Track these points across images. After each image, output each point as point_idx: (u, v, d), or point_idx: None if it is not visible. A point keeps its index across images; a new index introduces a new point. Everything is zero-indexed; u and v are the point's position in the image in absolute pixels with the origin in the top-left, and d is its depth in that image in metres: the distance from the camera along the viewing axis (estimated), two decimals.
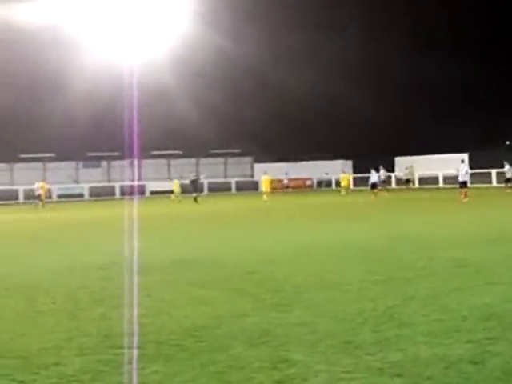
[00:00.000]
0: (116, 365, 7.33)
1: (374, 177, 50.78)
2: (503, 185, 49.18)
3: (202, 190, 54.67)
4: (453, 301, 9.87)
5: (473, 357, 7.08)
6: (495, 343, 7.55)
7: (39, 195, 50.65)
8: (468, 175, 43.10)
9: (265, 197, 48.37)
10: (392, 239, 18.80)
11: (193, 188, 52.84)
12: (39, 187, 51.08)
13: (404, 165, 68.89)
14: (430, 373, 6.63)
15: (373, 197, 46.68)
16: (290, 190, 70.71)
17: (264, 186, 51.77)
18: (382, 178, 62.97)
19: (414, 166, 65.42)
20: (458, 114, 78.86)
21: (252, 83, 76.00)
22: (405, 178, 63.69)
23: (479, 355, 7.12)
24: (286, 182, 75.27)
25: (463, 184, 40.57)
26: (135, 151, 48.79)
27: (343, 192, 55.60)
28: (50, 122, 64.31)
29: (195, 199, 50.26)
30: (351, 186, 68.16)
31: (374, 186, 49.71)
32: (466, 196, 38.83)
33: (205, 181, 75.13)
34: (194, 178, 54.19)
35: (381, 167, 63.00)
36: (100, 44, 59.90)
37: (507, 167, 49.91)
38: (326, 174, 71.34)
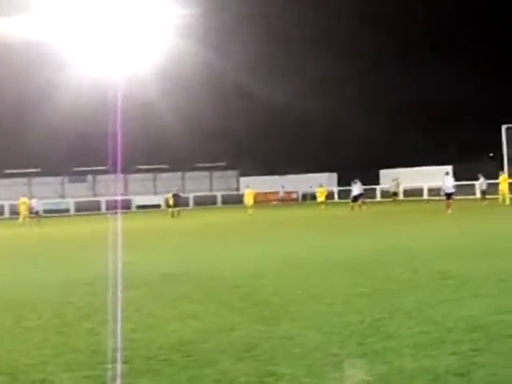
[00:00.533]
0: (103, 380, 7.35)
1: (355, 190, 50.86)
2: (479, 197, 49.00)
3: (181, 205, 54.85)
4: (438, 313, 9.92)
5: (458, 368, 7.12)
6: (481, 355, 7.60)
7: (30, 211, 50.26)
8: (453, 187, 43.23)
9: (249, 211, 48.50)
10: (378, 251, 18.85)
11: (174, 202, 53.15)
12: (21, 203, 50.77)
13: (389, 177, 69.08)
14: None
15: (355, 209, 46.78)
16: (274, 203, 70.80)
17: (247, 200, 51.92)
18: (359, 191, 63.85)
19: (399, 178, 65.57)
20: (442, 126, 79.26)
21: (238, 97, 76.24)
22: (391, 190, 63.77)
23: (465, 367, 7.17)
24: (281, 194, 75.57)
25: (449, 196, 40.83)
26: (119, 166, 48.70)
27: (323, 206, 55.59)
28: (36, 137, 64.18)
29: (175, 214, 50.70)
30: (335, 199, 68.58)
31: (355, 198, 49.84)
32: (449, 207, 39.13)
33: (188, 195, 75.22)
34: (176, 192, 54.53)
35: (356, 180, 63.73)
36: (85, 59, 59.84)
37: (481, 180, 50.14)
38: (311, 187, 71.35)
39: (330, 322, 9.62)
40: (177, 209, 52.06)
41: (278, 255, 19.20)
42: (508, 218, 33.71)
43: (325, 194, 59.43)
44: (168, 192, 57.36)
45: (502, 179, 48.08)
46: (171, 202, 53.54)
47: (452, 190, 41.40)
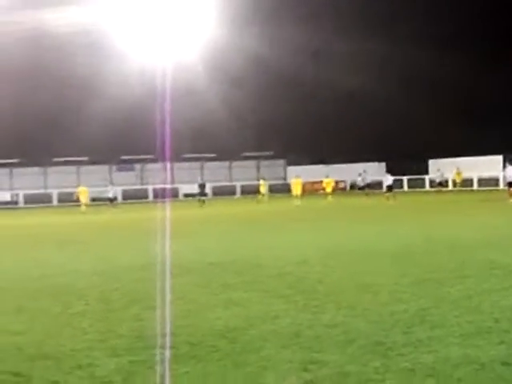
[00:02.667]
0: (148, 365, 7.41)
1: (388, 180, 50.51)
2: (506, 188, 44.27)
3: (206, 194, 55.46)
4: (485, 302, 9.83)
5: (505, 358, 7.05)
6: None
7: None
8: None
9: (296, 201, 47.77)
10: (424, 241, 18.72)
11: (200, 192, 53.93)
12: (81, 192, 52.60)
13: (438, 167, 68.45)
14: (461, 374, 6.62)
15: (389, 200, 46.42)
16: (321, 192, 70.46)
17: (295, 189, 51.20)
18: (367, 181, 64.30)
19: (459, 167, 64.60)
20: (492, 116, 78.11)
21: (285, 86, 75.94)
22: (437, 180, 63.18)
23: (511, 356, 7.09)
24: (343, 185, 75.24)
25: (510, 184, 41.35)
26: (167, 154, 49.00)
27: (330, 198, 54.35)
28: (84, 126, 64.80)
29: (201, 203, 51.14)
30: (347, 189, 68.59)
31: (389, 188, 49.54)
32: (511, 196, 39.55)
33: (236, 184, 75.48)
34: (201, 182, 55.24)
35: (363, 171, 64.26)
36: (133, 47, 60.29)
37: (510, 168, 43.60)
38: (360, 174, 70.82)
39: (375, 311, 9.58)
40: (203, 198, 52.77)
41: (323, 244, 19.17)
42: None
43: (332, 184, 58.60)
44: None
45: None
46: (263, 189, 54.86)
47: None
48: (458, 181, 63.58)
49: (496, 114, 76.41)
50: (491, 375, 6.56)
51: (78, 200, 52.52)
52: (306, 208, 42.24)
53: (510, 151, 61.63)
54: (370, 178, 66.96)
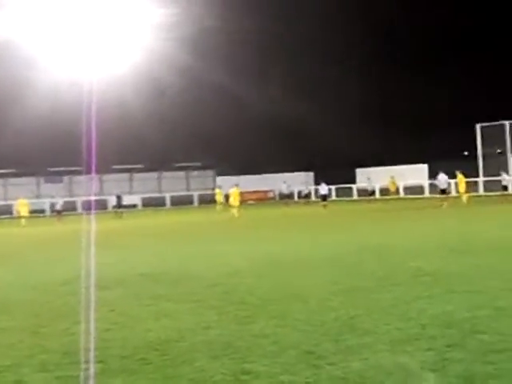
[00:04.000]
0: (77, 381, 7.31)
1: (323, 189, 51.07)
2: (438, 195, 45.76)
3: (122, 206, 55.98)
4: (413, 309, 9.99)
5: (433, 364, 7.18)
6: (455, 350, 7.66)
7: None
8: (447, 183, 45.38)
9: (234, 211, 45.37)
10: (353, 249, 18.93)
11: (116, 204, 54.88)
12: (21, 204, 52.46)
13: (365, 176, 69.40)
14: (391, 381, 6.71)
15: (325, 208, 46.94)
16: (251, 202, 70.51)
17: (233, 199, 46.37)
18: (285, 192, 65.55)
19: (372, 177, 65.64)
20: (418, 126, 79.68)
21: (215, 98, 76.16)
22: (369, 188, 63.84)
23: (439, 362, 7.23)
24: (285, 192, 74.12)
25: (443, 191, 43.58)
26: (95, 166, 48.66)
27: (218, 208, 52.19)
28: (10, 138, 63.78)
29: (118, 214, 51.55)
30: (312, 197, 68.55)
31: (324, 197, 50.16)
32: (446, 202, 41.85)
33: (165, 195, 75.10)
34: (118, 194, 56.16)
35: (283, 182, 65.49)
36: (61, 58, 59.53)
37: (441, 176, 45.69)
38: (285, 182, 71.25)
39: (306, 320, 9.64)
40: (120, 210, 53.17)
41: (254, 254, 19.22)
42: (480, 216, 33.94)
43: (237, 196, 47.96)
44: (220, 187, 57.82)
45: (459, 179, 47.58)
46: (221, 198, 54.64)
47: (446, 186, 44.17)
48: (392, 189, 64.31)
49: (419, 124, 78.07)
50: (420, 382, 6.66)
51: (17, 213, 52.59)
52: (239, 218, 42.26)
53: (434, 160, 62.91)
54: (290, 189, 67.98)
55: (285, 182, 68.04)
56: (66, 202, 62.76)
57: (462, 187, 46.39)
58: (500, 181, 51.59)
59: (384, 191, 65.25)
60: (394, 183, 64.02)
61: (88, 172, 65.26)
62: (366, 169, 73.32)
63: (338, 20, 76.47)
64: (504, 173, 51.67)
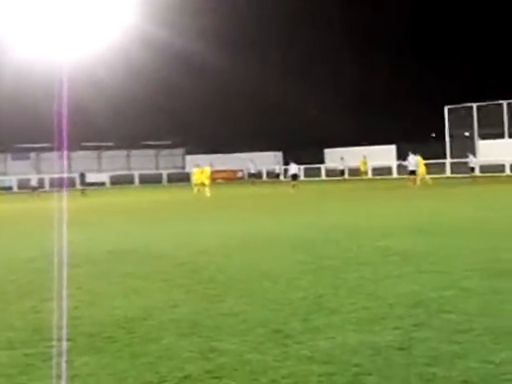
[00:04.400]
0: (45, 358, 7.27)
1: (293, 169, 50.86)
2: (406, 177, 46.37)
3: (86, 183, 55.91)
4: (381, 289, 10.06)
5: (400, 343, 7.23)
6: (421, 330, 7.73)
7: None
8: (416, 165, 45.50)
9: (207, 189, 44.51)
10: (322, 229, 19.01)
11: (80, 181, 54.79)
12: None
13: (333, 156, 69.60)
14: (358, 360, 6.75)
15: (294, 188, 46.88)
16: (219, 181, 70.16)
17: (204, 178, 45.39)
18: (252, 171, 66.00)
19: (345, 157, 65.76)
20: (386, 108, 79.99)
21: (185, 76, 75.66)
22: (340, 168, 63.73)
23: (406, 341, 7.29)
24: (252, 171, 73.30)
25: (412, 172, 44.16)
26: (65, 143, 48.22)
27: (195, 188, 47.24)
28: None
29: (83, 192, 51.42)
30: (281, 178, 68.62)
31: (294, 177, 50.01)
32: (415, 183, 42.69)
33: (134, 173, 74.76)
34: (82, 171, 56.15)
35: (250, 161, 65.77)
36: (30, 36, 58.78)
37: (411, 157, 45.95)
38: (256, 165, 71.46)
39: (274, 299, 9.67)
40: (84, 187, 53.10)
41: (223, 233, 19.21)
42: (448, 197, 34.22)
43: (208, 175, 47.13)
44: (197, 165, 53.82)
45: (419, 161, 47.97)
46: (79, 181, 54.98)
47: (415, 168, 44.53)
48: (363, 169, 64.35)
49: (387, 106, 78.37)
50: (387, 360, 6.71)
51: None
52: (209, 197, 42.17)
53: (402, 141, 63.21)
54: (257, 168, 68.25)
55: (252, 161, 68.05)
56: (24, 180, 62.47)
57: (422, 169, 46.85)
58: (467, 163, 52.05)
59: (353, 171, 65.48)
60: (365, 163, 64.09)
61: (56, 149, 64.81)
62: (334, 149, 73.46)
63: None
64: (471, 155, 52.10)
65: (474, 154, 55.69)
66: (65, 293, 10.15)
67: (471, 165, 50.65)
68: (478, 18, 79.87)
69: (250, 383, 6.25)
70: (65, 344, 7.69)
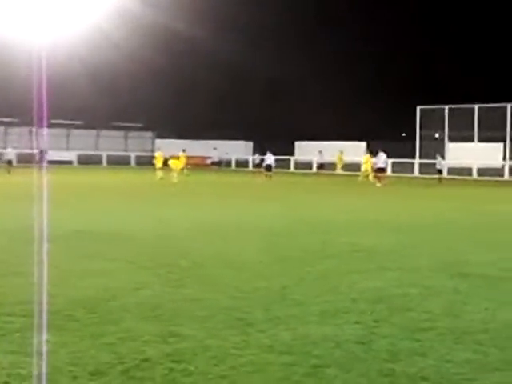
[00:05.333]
0: (4, 333, 7.20)
1: (268, 159, 50.74)
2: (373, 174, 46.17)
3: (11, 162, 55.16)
4: (345, 283, 10.08)
5: (360, 337, 7.26)
6: (382, 326, 7.77)
7: None
8: (385, 163, 45.96)
9: (174, 175, 44.00)
10: (290, 221, 19.03)
11: (39, 158, 54.28)
12: None
13: (303, 149, 69.68)
14: (318, 351, 6.76)
15: (262, 178, 46.78)
16: (188, 166, 69.77)
17: (180, 163, 45.56)
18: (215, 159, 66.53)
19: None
20: (358, 103, 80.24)
21: (161, 59, 75.22)
22: (320, 162, 63.08)
23: (366, 336, 7.32)
24: (215, 159, 72.78)
25: (380, 170, 44.06)
26: (32, 119, 47.79)
27: (158, 173, 45.01)
28: None
29: (7, 170, 50.77)
30: (250, 167, 68.53)
31: (268, 167, 49.87)
32: (380, 181, 42.24)
33: (102, 153, 74.25)
34: (41, 149, 55.88)
35: (213, 148, 65.85)
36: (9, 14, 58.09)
37: (381, 155, 45.85)
38: (227, 153, 71.42)
39: (237, 287, 9.65)
40: (9, 166, 52.45)
41: (191, 219, 19.16)
42: (414, 196, 34.43)
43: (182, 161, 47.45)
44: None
45: (366, 159, 48.94)
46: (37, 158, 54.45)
47: (383, 165, 44.57)
48: (339, 165, 63.93)
49: (358, 103, 78.67)
50: (346, 353, 6.73)
51: None
52: (180, 183, 41.99)
53: (372, 139, 63.44)
54: (219, 156, 68.47)
55: (215, 149, 67.90)
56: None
57: (368, 166, 47.55)
58: (435, 164, 52.25)
59: (326, 166, 65.35)
60: (341, 159, 63.67)
61: (24, 124, 64.25)
62: (304, 142, 73.59)
63: None
64: (439, 156, 52.29)
65: (442, 155, 55.99)
66: (26, 270, 10.06)
67: (438, 166, 50.83)
68: (454, 19, 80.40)
69: (210, 368, 6.23)
70: (22, 321, 7.61)
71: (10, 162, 52.66)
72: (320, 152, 62.32)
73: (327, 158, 62.97)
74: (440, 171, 50.69)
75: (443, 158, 55.13)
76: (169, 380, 5.98)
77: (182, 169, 45.55)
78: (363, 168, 48.34)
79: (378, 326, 7.73)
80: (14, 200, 23.78)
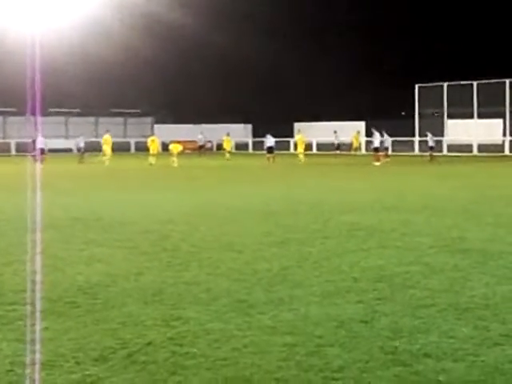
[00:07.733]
0: (5, 322, 7.21)
1: (269, 141, 50.58)
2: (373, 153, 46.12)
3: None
4: (345, 263, 10.09)
5: (363, 316, 7.28)
6: (384, 304, 7.78)
7: None
8: (384, 142, 46.70)
9: (174, 159, 44.07)
10: (290, 202, 19.01)
11: (32, 147, 53.84)
12: None
13: (303, 130, 69.36)
14: (320, 331, 6.77)
15: (269, 161, 46.71)
16: (188, 151, 69.66)
17: (174, 149, 45.08)
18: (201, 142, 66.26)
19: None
20: (357, 83, 79.91)
21: (158, 44, 74.94)
22: (336, 142, 62.11)
23: (368, 315, 7.33)
24: (201, 143, 72.11)
25: (375, 150, 44.57)
26: (31, 107, 47.66)
27: (151, 159, 49.28)
28: None
29: (33, 158, 50.55)
30: (250, 150, 68.41)
31: (270, 149, 49.71)
32: (378, 160, 42.51)
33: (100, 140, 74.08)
34: (35, 138, 55.32)
35: (200, 132, 65.63)
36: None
37: (382, 136, 47.24)
38: (228, 134, 71.08)
39: (239, 269, 9.66)
40: (33, 154, 52.22)
41: (190, 203, 19.15)
42: (413, 175, 34.40)
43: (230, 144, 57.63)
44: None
45: (299, 139, 49.33)
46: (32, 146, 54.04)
47: (378, 145, 44.79)
48: (355, 145, 63.29)
49: (357, 83, 78.38)
50: (349, 333, 6.74)
51: None
52: (176, 168, 41.97)
53: (371, 118, 63.14)
54: (204, 140, 68.18)
55: (201, 133, 67.57)
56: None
57: (302, 147, 47.93)
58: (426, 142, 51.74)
59: (325, 146, 65.13)
60: (357, 138, 63.02)
61: (23, 114, 64.13)
62: (304, 123, 73.40)
63: None
64: (429, 133, 51.49)
65: (439, 133, 55.71)
66: (26, 257, 10.07)
67: (430, 144, 50.29)
68: None
69: (212, 351, 6.25)
70: (25, 308, 7.63)
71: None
72: (335, 132, 61.76)
73: (323, 139, 62.83)
74: (431, 148, 50.08)
75: (434, 135, 54.15)
76: (172, 363, 6.00)
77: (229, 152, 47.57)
78: (299, 148, 49.30)
79: (379, 304, 7.75)
80: (16, 188, 23.71)
